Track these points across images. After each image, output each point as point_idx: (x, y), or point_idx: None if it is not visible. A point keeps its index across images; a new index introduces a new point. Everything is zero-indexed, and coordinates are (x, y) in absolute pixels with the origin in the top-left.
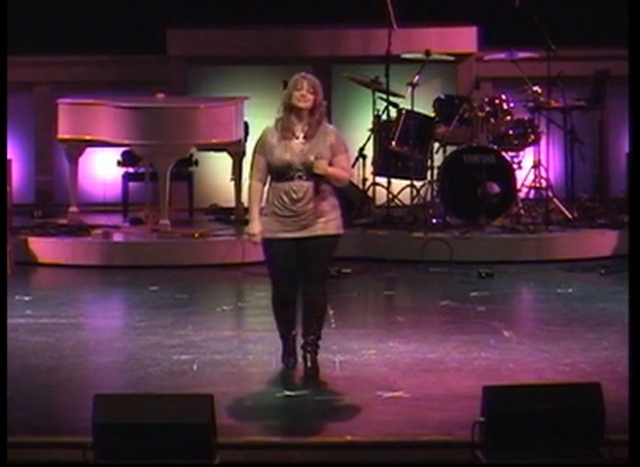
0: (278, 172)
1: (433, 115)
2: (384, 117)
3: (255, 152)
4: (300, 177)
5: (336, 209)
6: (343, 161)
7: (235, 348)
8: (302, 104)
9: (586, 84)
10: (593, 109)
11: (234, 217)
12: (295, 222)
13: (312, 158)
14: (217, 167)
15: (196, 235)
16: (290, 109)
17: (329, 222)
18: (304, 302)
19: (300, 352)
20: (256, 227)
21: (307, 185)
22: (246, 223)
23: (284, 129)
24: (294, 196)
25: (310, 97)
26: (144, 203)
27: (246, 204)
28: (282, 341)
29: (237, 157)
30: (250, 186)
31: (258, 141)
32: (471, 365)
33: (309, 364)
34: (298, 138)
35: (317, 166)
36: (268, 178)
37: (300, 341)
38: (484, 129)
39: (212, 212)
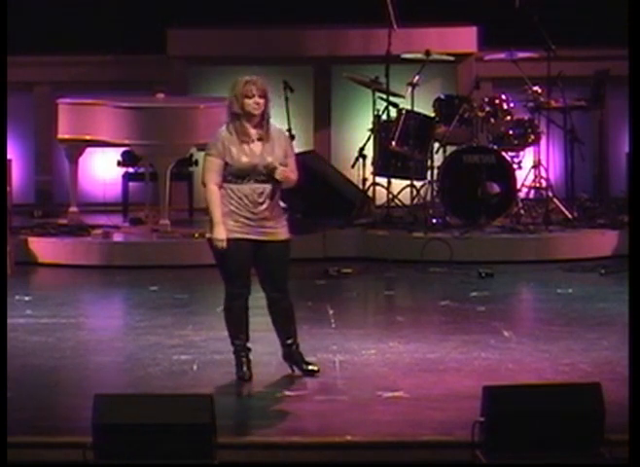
0: (240, 175)
1: (433, 115)
2: (384, 117)
3: (210, 155)
4: (262, 180)
5: (284, 214)
6: (293, 165)
7: None
8: (257, 112)
9: (587, 84)
10: (593, 109)
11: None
12: (254, 225)
13: (270, 159)
14: None
15: (196, 235)
16: (243, 116)
17: (284, 227)
18: (274, 309)
19: (280, 353)
20: (222, 232)
21: (268, 188)
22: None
23: (241, 133)
24: (257, 198)
25: (263, 102)
26: (144, 203)
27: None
28: (235, 353)
29: None
30: (209, 191)
31: (213, 144)
32: (471, 365)
33: (304, 365)
34: (254, 141)
35: (279, 173)
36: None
37: (279, 347)
38: (484, 129)
39: None
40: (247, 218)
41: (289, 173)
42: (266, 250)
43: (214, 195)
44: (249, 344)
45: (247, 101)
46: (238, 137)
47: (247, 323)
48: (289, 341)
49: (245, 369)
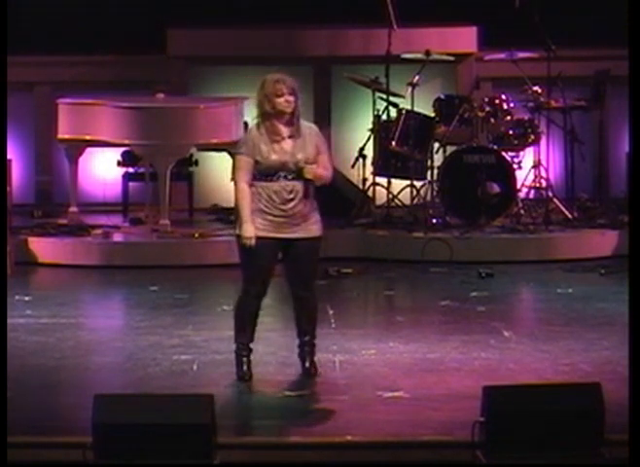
0: (269, 173)
1: (433, 115)
2: (384, 117)
3: (239, 153)
4: (292, 178)
5: (317, 211)
6: (326, 161)
7: None
8: (289, 110)
9: (587, 84)
10: (593, 109)
11: (235, 217)
12: (284, 223)
13: (300, 156)
14: (217, 167)
15: (196, 235)
16: (274, 114)
17: (316, 223)
18: (298, 305)
19: (296, 351)
20: (251, 230)
21: (298, 185)
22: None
23: (271, 132)
24: (286, 196)
25: (293, 99)
26: (144, 203)
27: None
28: (236, 352)
29: None
30: (240, 189)
31: (243, 143)
32: (471, 365)
33: (307, 364)
34: (285, 139)
35: (308, 172)
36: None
37: (295, 341)
38: (484, 129)
39: (213, 212)
40: (276, 216)
41: (319, 171)
42: (296, 247)
43: (244, 193)
44: (251, 345)
45: (278, 100)
46: (269, 136)
47: (255, 323)
48: (305, 338)
49: (245, 369)
